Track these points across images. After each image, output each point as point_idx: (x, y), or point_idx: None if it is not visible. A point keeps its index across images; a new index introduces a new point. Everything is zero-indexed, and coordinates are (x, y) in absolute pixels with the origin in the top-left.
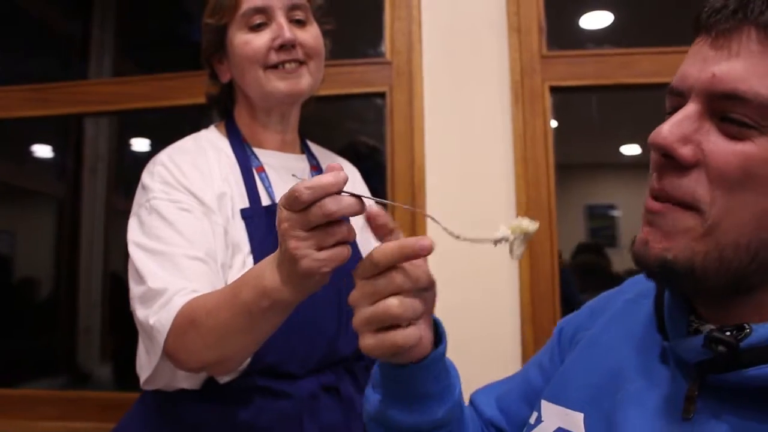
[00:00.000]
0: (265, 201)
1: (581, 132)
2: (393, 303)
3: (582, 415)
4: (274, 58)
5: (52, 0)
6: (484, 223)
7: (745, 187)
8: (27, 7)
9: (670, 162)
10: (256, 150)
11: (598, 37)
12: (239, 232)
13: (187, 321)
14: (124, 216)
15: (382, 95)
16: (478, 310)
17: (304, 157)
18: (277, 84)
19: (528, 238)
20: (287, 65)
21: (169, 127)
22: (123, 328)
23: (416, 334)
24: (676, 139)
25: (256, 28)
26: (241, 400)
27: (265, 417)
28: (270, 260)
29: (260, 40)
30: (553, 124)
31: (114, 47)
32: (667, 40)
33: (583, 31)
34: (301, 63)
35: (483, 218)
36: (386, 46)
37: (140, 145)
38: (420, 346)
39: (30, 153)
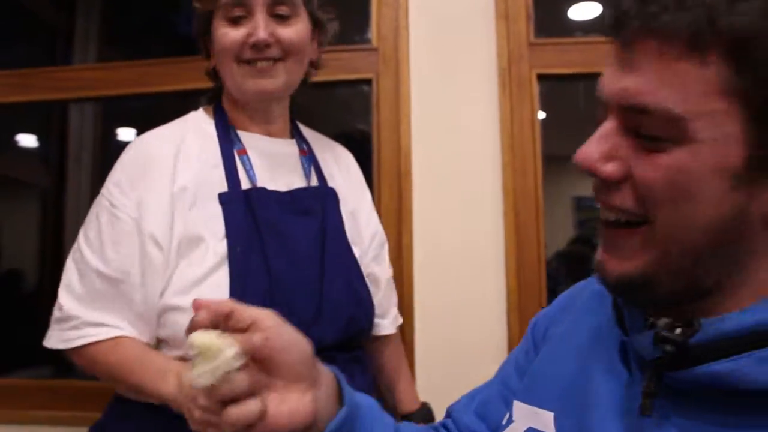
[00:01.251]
0: (245, 185)
1: (569, 124)
2: None
3: (552, 414)
4: (247, 54)
5: None
6: (471, 212)
7: (677, 199)
8: None
9: (600, 180)
10: (240, 133)
11: (586, 28)
12: (212, 218)
13: (88, 359)
14: None
15: (368, 82)
16: (466, 304)
17: (293, 141)
18: (248, 81)
19: (223, 368)
20: (259, 63)
21: (154, 116)
22: None
23: (252, 409)
24: (599, 158)
25: (236, 21)
26: None
27: None
28: (175, 374)
29: (236, 34)
30: (541, 115)
31: (98, 35)
32: None
33: (571, 21)
34: (277, 60)
35: (469, 207)
36: (373, 33)
37: (125, 134)
38: (277, 419)
39: (14, 142)
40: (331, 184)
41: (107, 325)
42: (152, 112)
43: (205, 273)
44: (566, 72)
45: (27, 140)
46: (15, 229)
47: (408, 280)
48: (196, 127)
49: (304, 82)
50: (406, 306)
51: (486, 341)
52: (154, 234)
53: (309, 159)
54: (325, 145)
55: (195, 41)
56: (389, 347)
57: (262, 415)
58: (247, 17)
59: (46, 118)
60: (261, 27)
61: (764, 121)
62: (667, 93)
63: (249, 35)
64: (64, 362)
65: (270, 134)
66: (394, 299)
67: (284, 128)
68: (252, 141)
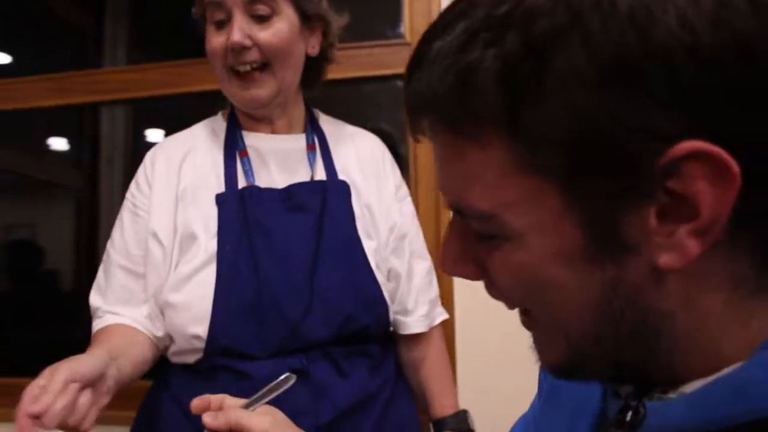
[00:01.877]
0: (242, 185)
1: None
2: None
3: None
4: (230, 60)
5: None
6: None
7: (534, 295)
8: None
9: None
10: (245, 133)
11: None
12: (207, 217)
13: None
14: None
15: (400, 77)
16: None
17: (300, 136)
18: (235, 90)
19: None
20: (241, 68)
21: (183, 117)
22: None
23: None
24: (455, 261)
25: (220, 25)
26: (209, 378)
27: (230, 393)
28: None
29: (219, 39)
30: None
31: (127, 38)
32: None
33: None
34: (263, 67)
35: None
36: (405, 27)
37: (154, 135)
38: None
39: (47, 145)
40: (343, 176)
41: (121, 315)
42: (180, 114)
43: (194, 270)
44: None
45: (58, 143)
46: (51, 230)
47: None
48: (208, 131)
49: (319, 79)
50: (445, 303)
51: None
52: (156, 232)
53: (316, 153)
54: (347, 136)
55: None
56: (420, 346)
57: None
58: (228, 20)
59: (78, 121)
60: (235, 29)
61: (578, 191)
62: (468, 187)
63: (228, 39)
64: None
65: (275, 131)
66: (425, 296)
67: (292, 123)
68: (254, 141)
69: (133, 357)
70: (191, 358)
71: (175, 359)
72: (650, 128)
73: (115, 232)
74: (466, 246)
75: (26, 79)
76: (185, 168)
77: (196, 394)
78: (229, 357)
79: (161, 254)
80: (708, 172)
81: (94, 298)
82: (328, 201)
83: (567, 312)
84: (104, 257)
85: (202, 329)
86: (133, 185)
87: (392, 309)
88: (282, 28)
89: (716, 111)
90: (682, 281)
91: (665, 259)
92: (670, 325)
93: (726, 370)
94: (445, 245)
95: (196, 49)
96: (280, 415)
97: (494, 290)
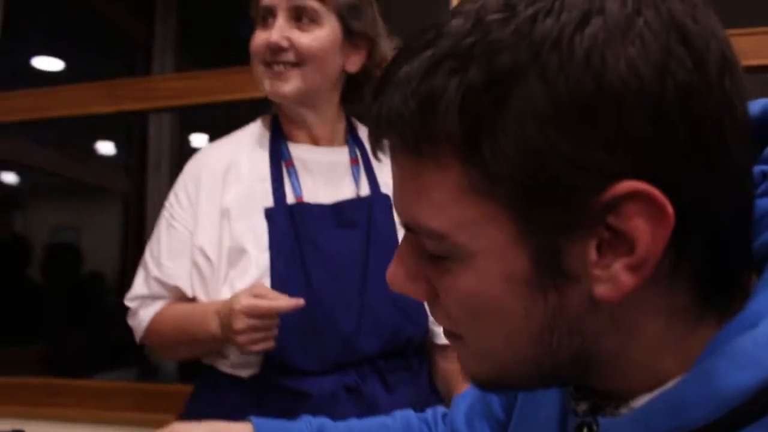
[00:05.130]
0: (290, 198)
1: None
2: None
3: None
4: (267, 56)
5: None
6: None
7: (477, 320)
8: (94, 6)
9: None
10: (289, 144)
11: None
12: (257, 231)
13: (154, 336)
14: None
15: None
16: None
17: (343, 149)
18: (265, 82)
19: None
20: (275, 67)
21: (227, 122)
22: None
23: None
24: (404, 279)
25: (265, 25)
26: (264, 395)
27: (286, 414)
28: (215, 314)
29: (261, 37)
30: None
31: (174, 44)
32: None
33: None
34: (293, 65)
35: None
36: None
37: (198, 140)
38: None
39: (94, 150)
40: (385, 190)
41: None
42: (224, 119)
43: (247, 284)
44: None
45: (105, 148)
46: (96, 233)
47: None
48: (251, 140)
49: (361, 97)
50: None
51: None
52: (203, 247)
53: (360, 167)
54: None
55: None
56: (450, 356)
57: None
58: (274, 21)
59: (126, 126)
60: (276, 30)
61: (528, 219)
62: (423, 207)
63: (268, 38)
64: (148, 364)
65: (317, 143)
66: None
67: (333, 135)
68: (299, 152)
69: None
70: (245, 373)
71: (227, 370)
72: (595, 166)
73: (153, 240)
74: (418, 265)
75: (78, 86)
76: (229, 180)
77: (249, 413)
78: (285, 373)
79: (209, 269)
80: (645, 211)
81: (133, 302)
82: (373, 216)
83: (504, 341)
84: (142, 261)
85: None
86: (172, 196)
87: (430, 319)
88: (321, 35)
89: (656, 155)
90: (620, 310)
91: (600, 291)
92: (608, 349)
93: (667, 385)
94: (396, 262)
95: (243, 56)
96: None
97: (438, 311)
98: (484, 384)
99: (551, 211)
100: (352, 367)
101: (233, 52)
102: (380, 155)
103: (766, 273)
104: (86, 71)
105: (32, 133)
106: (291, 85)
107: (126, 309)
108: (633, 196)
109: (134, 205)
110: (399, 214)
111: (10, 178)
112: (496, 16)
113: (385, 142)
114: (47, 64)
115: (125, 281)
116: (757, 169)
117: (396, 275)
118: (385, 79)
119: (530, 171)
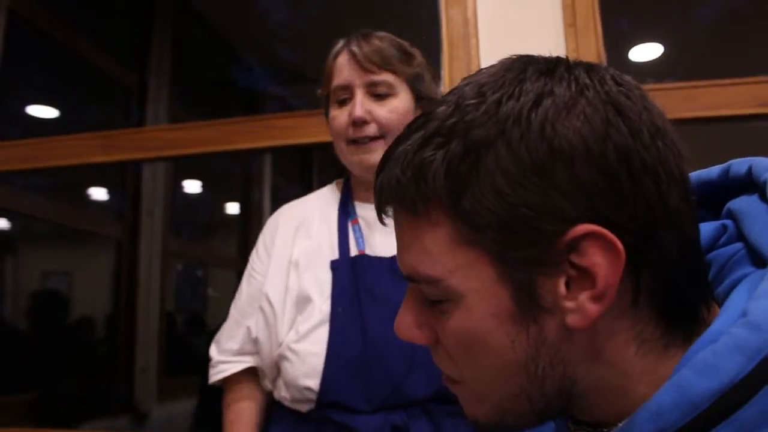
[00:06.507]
0: (354, 252)
1: None
2: None
3: None
4: (351, 133)
5: (111, 50)
6: None
7: (474, 357)
8: (87, 57)
9: None
10: (356, 204)
11: (648, 71)
12: (322, 282)
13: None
14: (178, 257)
15: None
16: None
17: None
18: (353, 158)
19: None
20: (360, 141)
21: (219, 169)
22: (179, 368)
23: None
24: (409, 327)
25: (342, 104)
26: (322, 428)
27: None
28: None
29: (342, 116)
30: None
31: (168, 95)
32: (727, 73)
33: (633, 64)
34: (375, 138)
35: None
36: (445, 86)
37: (192, 186)
38: None
39: (88, 196)
40: None
41: (233, 362)
42: (215, 166)
43: (310, 329)
44: None
45: (98, 194)
46: (88, 279)
47: None
48: (323, 200)
49: None
50: None
51: None
52: (268, 294)
53: None
54: None
55: (254, 94)
56: None
57: None
58: (350, 99)
59: (120, 173)
60: (358, 105)
61: (506, 260)
62: (421, 258)
63: (350, 114)
64: (136, 412)
65: None
66: None
67: None
68: (365, 211)
69: None
70: (304, 407)
71: (287, 404)
72: (556, 212)
73: (238, 293)
74: (420, 313)
75: (73, 137)
76: (299, 236)
77: None
78: (337, 410)
79: (272, 314)
80: (600, 248)
81: (214, 352)
82: None
83: (496, 374)
84: (229, 314)
85: (314, 382)
86: (254, 250)
87: None
88: (398, 105)
89: (604, 201)
90: (592, 339)
91: (571, 320)
92: (588, 377)
93: (644, 405)
94: (403, 311)
95: (235, 103)
96: None
97: (441, 355)
98: (485, 427)
99: (525, 252)
100: (402, 407)
101: (226, 98)
102: (385, 220)
103: (725, 303)
104: (80, 119)
105: (26, 181)
106: (377, 155)
107: (116, 350)
108: (589, 236)
109: (127, 250)
110: (402, 267)
111: (1, 224)
112: (471, 101)
113: (389, 209)
114: (42, 112)
115: (117, 326)
116: (717, 223)
117: (403, 322)
118: (386, 156)
119: (504, 219)
